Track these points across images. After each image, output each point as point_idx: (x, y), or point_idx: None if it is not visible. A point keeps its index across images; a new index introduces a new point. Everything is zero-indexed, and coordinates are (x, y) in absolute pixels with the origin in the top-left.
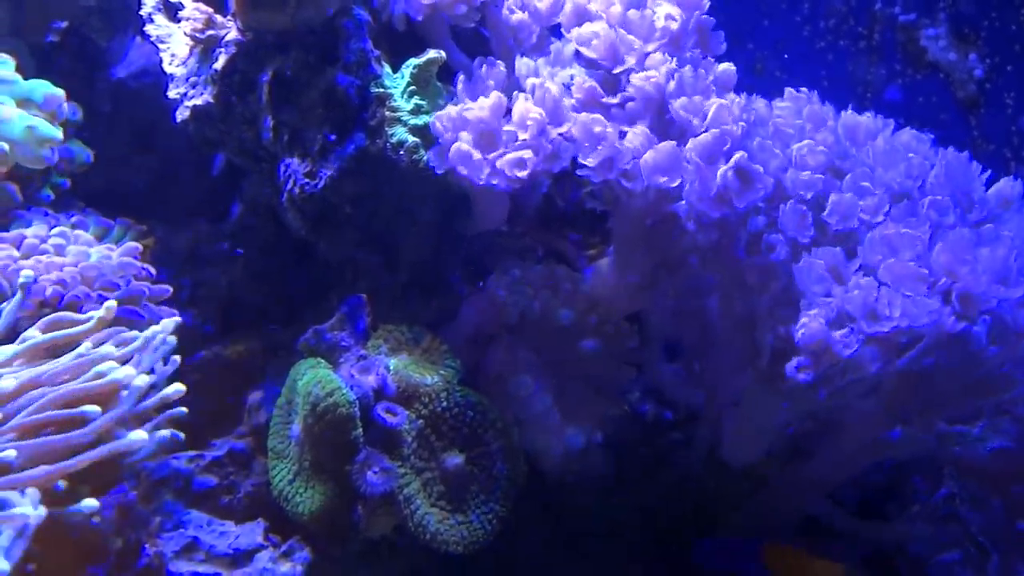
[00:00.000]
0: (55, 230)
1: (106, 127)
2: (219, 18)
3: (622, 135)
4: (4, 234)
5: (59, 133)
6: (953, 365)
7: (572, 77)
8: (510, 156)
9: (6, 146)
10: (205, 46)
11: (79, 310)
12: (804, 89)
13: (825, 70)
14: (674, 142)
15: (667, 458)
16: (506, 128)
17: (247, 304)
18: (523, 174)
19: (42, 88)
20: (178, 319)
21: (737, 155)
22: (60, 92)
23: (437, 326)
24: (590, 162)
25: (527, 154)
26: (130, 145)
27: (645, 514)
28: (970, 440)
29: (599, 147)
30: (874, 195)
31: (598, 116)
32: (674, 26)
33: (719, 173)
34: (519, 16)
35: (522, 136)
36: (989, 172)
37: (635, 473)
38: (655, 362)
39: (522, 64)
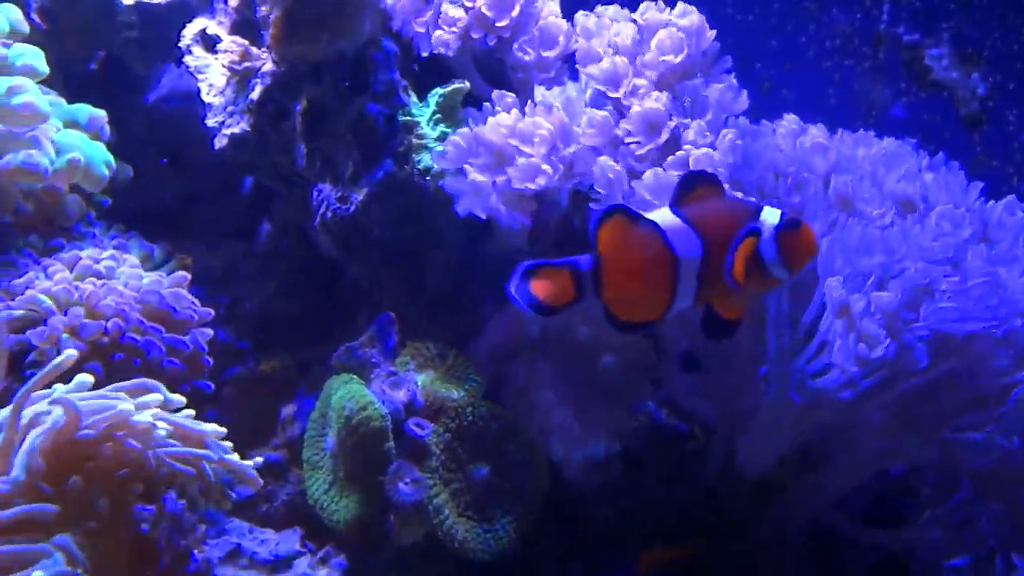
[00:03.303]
0: (106, 253)
1: (140, 149)
2: (255, 50)
3: (629, 166)
4: (60, 254)
5: (112, 159)
6: (962, 374)
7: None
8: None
9: (80, 156)
10: (241, 77)
11: (140, 347)
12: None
13: (832, 89)
14: None
15: (683, 469)
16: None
17: (280, 321)
18: (541, 182)
19: (86, 110)
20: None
21: None
22: (102, 113)
23: (462, 342)
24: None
25: (541, 171)
26: (163, 166)
27: (661, 523)
28: (975, 447)
29: (610, 185)
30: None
31: (612, 163)
32: (678, 59)
33: None
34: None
35: (531, 151)
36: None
37: (651, 483)
38: (671, 375)
39: (540, 93)
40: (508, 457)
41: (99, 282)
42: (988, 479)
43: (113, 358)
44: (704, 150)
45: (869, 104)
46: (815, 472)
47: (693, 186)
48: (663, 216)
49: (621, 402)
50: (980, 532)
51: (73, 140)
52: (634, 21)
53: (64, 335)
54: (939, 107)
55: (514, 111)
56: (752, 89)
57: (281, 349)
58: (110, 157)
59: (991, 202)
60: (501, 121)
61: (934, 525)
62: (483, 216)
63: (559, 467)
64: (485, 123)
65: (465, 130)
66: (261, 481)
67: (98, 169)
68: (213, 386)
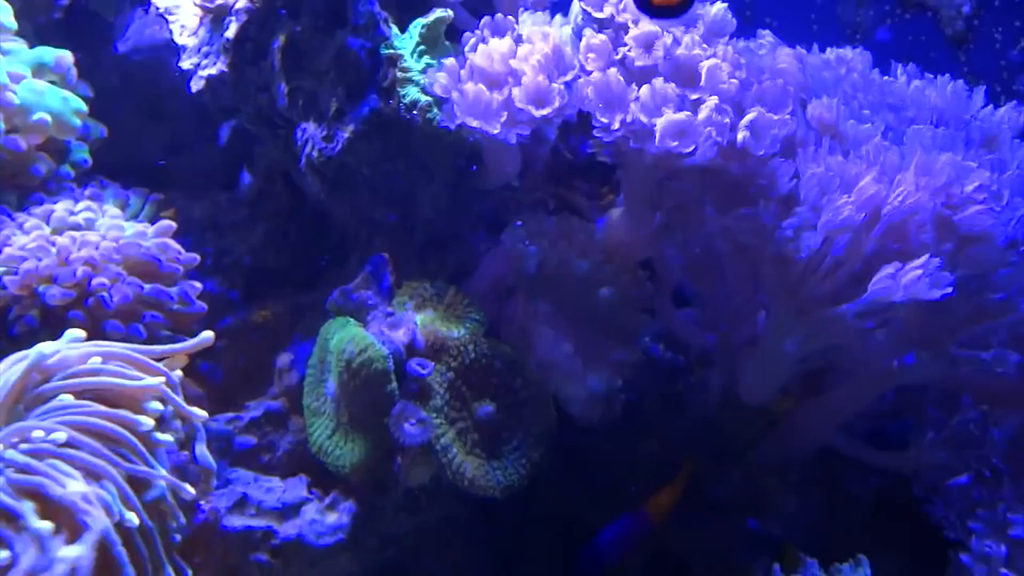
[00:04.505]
0: (81, 204)
1: (115, 101)
2: None
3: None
4: (33, 209)
5: (84, 105)
6: (967, 287)
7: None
8: (519, 102)
9: (48, 117)
10: (215, 15)
11: (108, 296)
12: None
13: (815, 13)
14: (687, 113)
15: (683, 401)
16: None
17: (269, 270)
18: (543, 112)
19: (51, 53)
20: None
21: (751, 115)
22: (67, 54)
23: (455, 280)
24: (604, 120)
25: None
26: (140, 118)
27: (664, 455)
28: (983, 364)
29: (614, 107)
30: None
31: (614, 74)
32: None
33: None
34: None
35: (529, 80)
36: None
37: (653, 416)
38: (667, 308)
39: (526, 18)
40: (513, 394)
41: (77, 234)
42: (998, 398)
43: (86, 304)
44: (713, 60)
45: (853, 28)
46: (819, 396)
47: None
48: None
49: (621, 335)
50: (981, 452)
51: (39, 97)
52: None
53: (42, 286)
54: (924, 28)
55: (508, 38)
56: (735, 18)
57: (272, 297)
58: (81, 104)
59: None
60: (496, 47)
61: (939, 446)
62: (491, 131)
63: (563, 403)
64: (476, 51)
65: (451, 60)
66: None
67: (69, 120)
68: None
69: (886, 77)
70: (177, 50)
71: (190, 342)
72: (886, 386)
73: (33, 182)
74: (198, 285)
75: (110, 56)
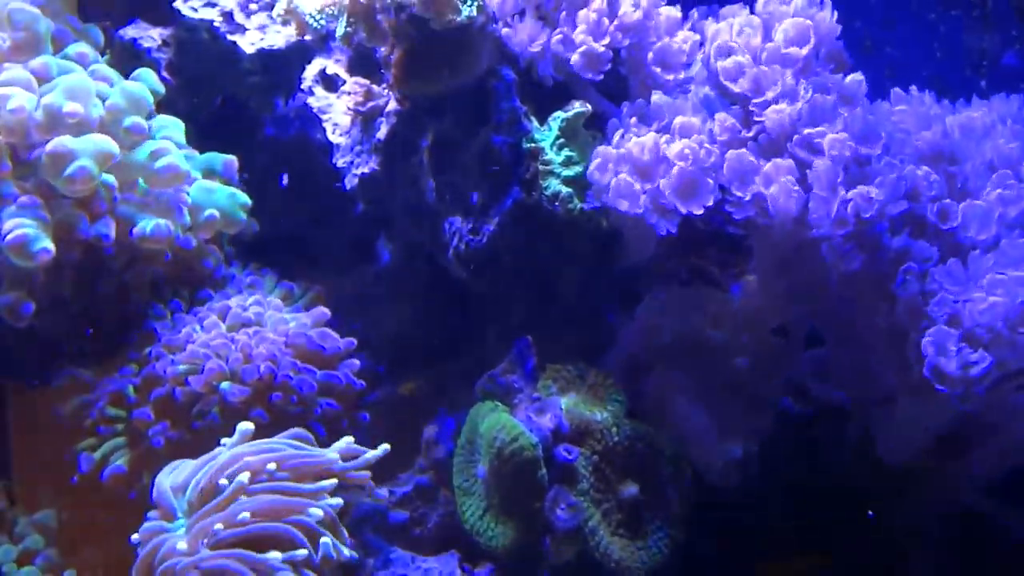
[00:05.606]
0: (251, 299)
1: (261, 181)
2: (376, 88)
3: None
4: (212, 304)
5: (248, 200)
6: None
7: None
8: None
9: (217, 213)
10: (366, 117)
11: (293, 387)
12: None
13: (938, 42)
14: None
15: (816, 456)
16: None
17: (411, 342)
18: (697, 210)
19: (220, 158)
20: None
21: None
22: (234, 159)
23: (592, 353)
24: (738, 194)
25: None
26: (284, 196)
27: (800, 510)
28: None
29: (745, 186)
30: None
31: (744, 155)
32: (804, 51)
33: (835, 201)
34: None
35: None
36: None
37: (786, 471)
38: (799, 366)
39: (659, 99)
40: (655, 474)
41: (251, 330)
42: None
43: (271, 399)
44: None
45: (980, 54)
46: (960, 459)
47: None
48: None
49: (755, 402)
50: None
51: (209, 195)
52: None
53: (224, 384)
54: None
55: (652, 133)
56: (853, 49)
57: (416, 369)
58: (246, 199)
59: None
60: (646, 142)
61: None
62: (639, 212)
63: (700, 471)
64: (624, 139)
65: (610, 149)
66: None
67: (235, 215)
68: (368, 416)
69: None
70: (317, 121)
71: (370, 455)
72: None
73: (205, 274)
74: (356, 362)
75: (262, 139)
